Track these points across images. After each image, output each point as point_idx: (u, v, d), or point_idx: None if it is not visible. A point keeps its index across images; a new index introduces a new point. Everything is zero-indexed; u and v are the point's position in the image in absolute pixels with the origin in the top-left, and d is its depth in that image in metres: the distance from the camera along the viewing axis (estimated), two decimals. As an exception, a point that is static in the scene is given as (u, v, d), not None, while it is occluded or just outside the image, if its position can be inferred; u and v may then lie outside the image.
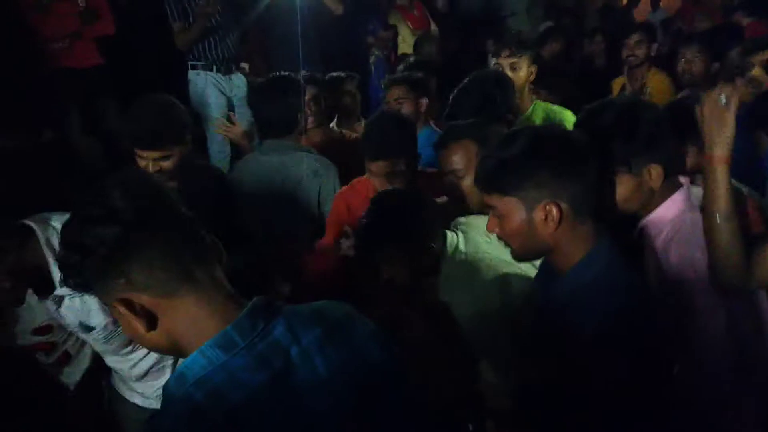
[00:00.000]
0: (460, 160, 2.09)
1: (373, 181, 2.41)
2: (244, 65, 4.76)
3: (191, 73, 4.45)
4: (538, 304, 1.69)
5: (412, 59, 4.34)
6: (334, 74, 3.79)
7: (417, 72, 3.43)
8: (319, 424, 1.05)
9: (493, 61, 3.05)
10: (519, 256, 1.57)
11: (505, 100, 2.56)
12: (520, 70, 2.94)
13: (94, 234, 1.01)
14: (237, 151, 3.87)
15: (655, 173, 1.63)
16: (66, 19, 4.05)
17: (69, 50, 4.12)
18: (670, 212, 1.67)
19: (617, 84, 4.29)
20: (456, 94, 2.63)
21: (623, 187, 1.64)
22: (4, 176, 2.68)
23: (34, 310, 1.89)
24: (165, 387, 1.05)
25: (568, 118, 2.83)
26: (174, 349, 1.08)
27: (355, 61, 5.27)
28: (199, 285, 1.05)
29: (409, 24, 5.64)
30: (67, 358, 2.06)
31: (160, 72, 4.37)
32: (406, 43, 5.55)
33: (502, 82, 2.61)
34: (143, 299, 1.03)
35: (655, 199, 1.67)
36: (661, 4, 7.65)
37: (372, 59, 5.49)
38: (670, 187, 1.67)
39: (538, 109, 2.98)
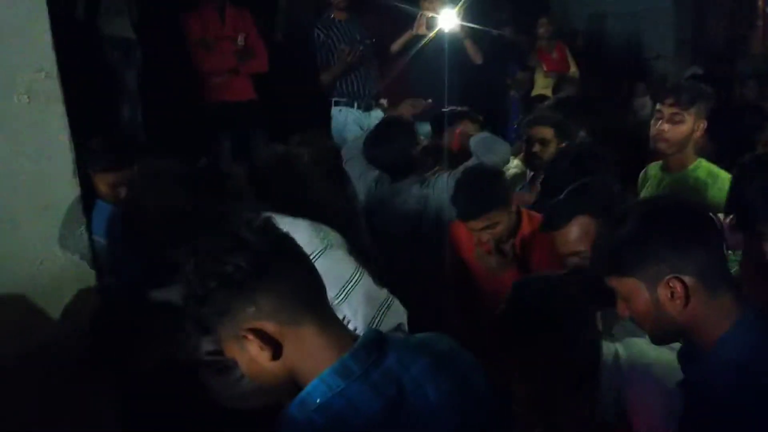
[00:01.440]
0: (580, 240, 1.94)
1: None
2: (383, 101, 4.93)
3: (334, 110, 4.65)
4: (681, 384, 1.54)
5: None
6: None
7: (561, 113, 3.42)
8: None
9: (654, 105, 2.76)
10: (655, 340, 1.46)
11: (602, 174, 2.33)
12: (683, 124, 2.60)
13: (232, 261, 1.06)
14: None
15: None
16: (226, 57, 4.40)
17: (227, 85, 4.45)
18: None
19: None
20: (552, 163, 2.51)
21: None
22: (161, 198, 2.96)
23: None
24: (284, 414, 1.10)
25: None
26: (288, 381, 1.11)
27: (494, 100, 5.34)
28: (319, 315, 1.12)
29: (544, 66, 5.64)
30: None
31: (305, 107, 4.66)
32: (538, 85, 5.55)
33: (598, 156, 2.44)
34: (270, 327, 1.07)
35: None
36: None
37: (510, 100, 5.55)
38: None
39: (701, 170, 2.67)
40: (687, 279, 1.34)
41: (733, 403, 1.31)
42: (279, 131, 4.71)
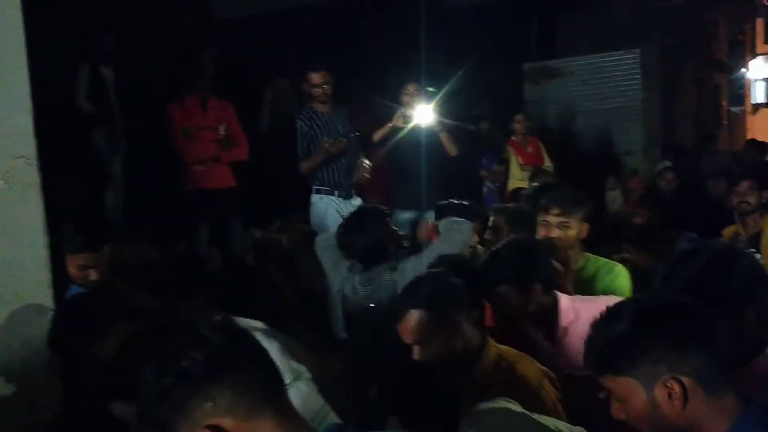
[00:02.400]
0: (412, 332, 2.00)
1: None
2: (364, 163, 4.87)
3: (314, 197, 4.66)
4: None
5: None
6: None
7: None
8: None
9: (540, 216, 2.87)
10: None
11: (541, 269, 2.40)
12: (570, 229, 2.77)
13: (188, 356, 1.07)
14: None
15: (749, 320, 1.58)
16: (207, 146, 4.47)
17: (208, 172, 4.50)
18: None
19: (728, 233, 4.14)
20: (491, 258, 2.51)
21: None
22: (139, 283, 2.98)
23: None
24: None
25: (620, 273, 2.76)
26: None
27: (470, 191, 5.47)
28: (277, 408, 1.12)
29: (520, 159, 5.82)
30: None
31: (284, 194, 4.73)
32: (515, 178, 5.71)
33: (539, 251, 2.47)
34: (227, 423, 1.07)
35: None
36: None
37: (484, 191, 5.68)
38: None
39: (588, 268, 2.83)
40: (685, 380, 1.32)
41: None
42: (258, 218, 4.76)
